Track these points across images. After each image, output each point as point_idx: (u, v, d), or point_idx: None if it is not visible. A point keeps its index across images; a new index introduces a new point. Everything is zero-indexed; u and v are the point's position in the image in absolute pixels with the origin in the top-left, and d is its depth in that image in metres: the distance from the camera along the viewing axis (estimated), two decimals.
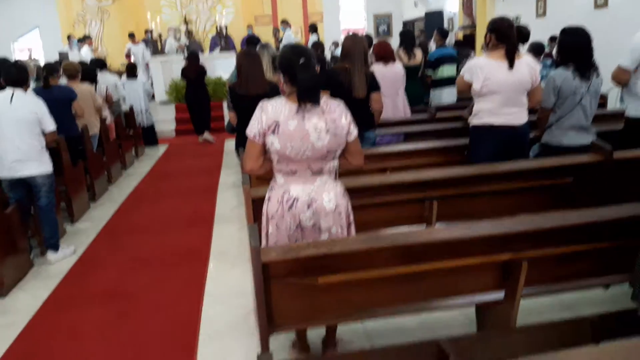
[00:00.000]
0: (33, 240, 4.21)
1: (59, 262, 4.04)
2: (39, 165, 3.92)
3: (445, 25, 11.95)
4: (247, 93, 4.12)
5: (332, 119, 2.17)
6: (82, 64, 6.64)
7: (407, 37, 6.44)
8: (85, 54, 11.47)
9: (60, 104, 4.90)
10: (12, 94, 3.81)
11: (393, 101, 5.05)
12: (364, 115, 4.02)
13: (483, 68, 3.36)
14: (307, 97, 2.12)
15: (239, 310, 3.15)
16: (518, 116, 3.45)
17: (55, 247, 4.07)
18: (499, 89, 3.34)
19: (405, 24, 14.88)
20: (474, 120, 3.55)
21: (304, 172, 2.21)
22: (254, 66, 4.24)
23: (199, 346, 2.83)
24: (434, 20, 11.99)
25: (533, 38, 6.15)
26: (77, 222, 4.98)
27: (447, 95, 6.39)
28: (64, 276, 3.83)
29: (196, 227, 4.68)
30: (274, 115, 2.15)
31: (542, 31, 7.49)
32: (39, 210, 4.04)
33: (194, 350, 2.79)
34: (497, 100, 3.38)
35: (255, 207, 2.76)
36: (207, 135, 8.97)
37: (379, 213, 2.91)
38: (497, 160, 3.38)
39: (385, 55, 4.92)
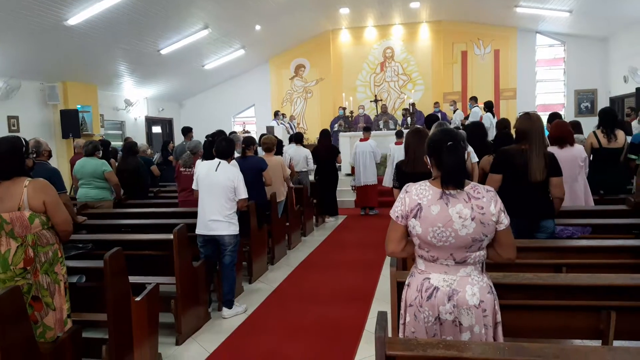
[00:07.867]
0: (213, 294, 4.74)
1: (232, 318, 4.46)
2: (228, 227, 4.50)
3: None
4: (413, 171, 4.15)
5: (480, 205, 2.06)
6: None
7: (608, 117, 5.78)
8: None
9: (252, 172, 5.63)
10: (219, 164, 4.54)
11: (571, 188, 4.52)
12: (542, 201, 3.69)
13: None
14: (449, 181, 2.09)
15: None
16: None
17: (230, 304, 4.52)
18: None
19: (612, 100, 13.34)
20: None
21: (446, 260, 2.12)
22: (422, 145, 4.25)
23: None
24: None
25: None
26: (254, 282, 5.48)
27: None
28: (232, 332, 4.20)
29: (356, 302, 4.74)
30: (418, 198, 2.13)
31: None
32: (222, 267, 4.57)
33: None
34: None
35: (401, 291, 2.69)
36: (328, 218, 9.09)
37: (537, 318, 2.55)
38: None
39: (562, 136, 4.49)
